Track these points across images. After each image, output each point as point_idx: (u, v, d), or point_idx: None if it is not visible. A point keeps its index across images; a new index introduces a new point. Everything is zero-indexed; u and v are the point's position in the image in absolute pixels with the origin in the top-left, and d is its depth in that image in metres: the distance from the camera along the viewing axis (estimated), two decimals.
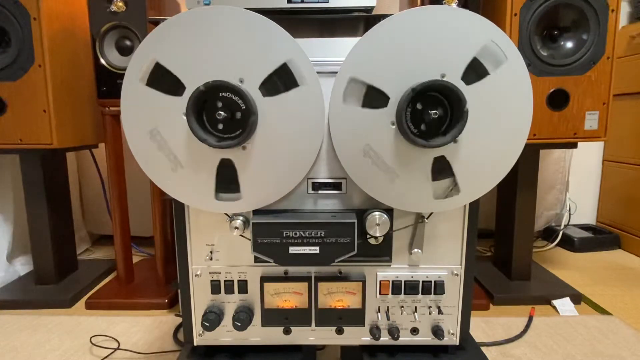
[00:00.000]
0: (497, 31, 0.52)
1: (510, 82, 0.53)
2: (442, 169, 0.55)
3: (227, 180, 0.56)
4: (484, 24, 0.52)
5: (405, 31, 0.52)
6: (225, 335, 0.64)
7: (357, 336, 0.65)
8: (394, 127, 0.54)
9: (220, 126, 0.54)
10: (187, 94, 0.52)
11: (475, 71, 0.52)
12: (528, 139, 0.80)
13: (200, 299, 0.63)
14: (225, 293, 0.63)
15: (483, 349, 0.66)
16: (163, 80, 0.53)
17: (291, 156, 0.55)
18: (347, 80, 0.53)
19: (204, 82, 0.51)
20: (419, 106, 0.53)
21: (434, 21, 0.52)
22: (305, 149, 0.56)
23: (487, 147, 0.54)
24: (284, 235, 0.55)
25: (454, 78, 0.52)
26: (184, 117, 0.52)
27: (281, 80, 0.53)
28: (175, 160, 0.55)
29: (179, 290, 0.64)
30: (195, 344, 0.65)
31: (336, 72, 0.54)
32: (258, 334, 0.64)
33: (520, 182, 1.13)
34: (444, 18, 0.52)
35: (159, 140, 0.54)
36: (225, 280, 0.63)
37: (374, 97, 0.54)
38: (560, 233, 1.55)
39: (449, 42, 0.52)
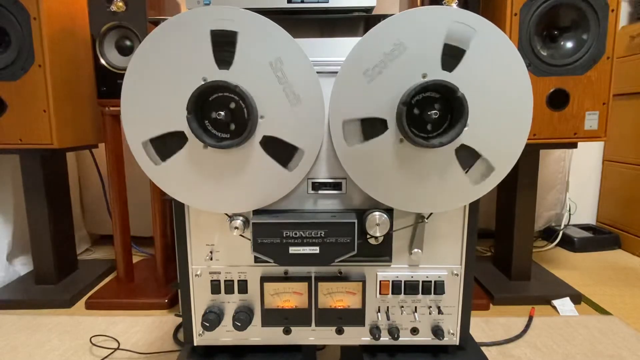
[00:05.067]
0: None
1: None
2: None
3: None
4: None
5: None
6: (225, 335, 0.64)
7: (357, 336, 0.65)
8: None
9: (224, 127, 0.54)
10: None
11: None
12: (528, 139, 0.79)
13: (200, 299, 0.63)
14: (225, 293, 0.63)
15: (483, 349, 0.66)
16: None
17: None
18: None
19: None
20: (418, 110, 0.53)
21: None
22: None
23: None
24: (284, 235, 0.55)
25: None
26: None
27: (281, 149, 0.55)
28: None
29: (179, 290, 0.64)
30: (195, 344, 0.65)
31: (336, 72, 0.54)
32: (258, 334, 0.64)
33: (520, 182, 1.13)
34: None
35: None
36: (225, 280, 0.63)
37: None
38: (560, 233, 1.55)
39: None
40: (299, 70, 0.53)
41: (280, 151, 0.56)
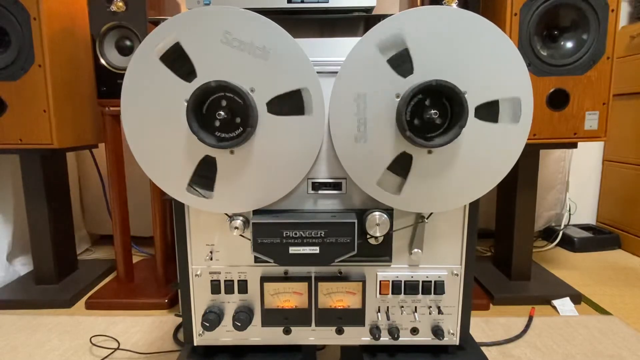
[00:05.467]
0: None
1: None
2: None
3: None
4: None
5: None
6: (225, 335, 0.64)
7: (357, 336, 0.65)
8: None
9: (217, 123, 0.54)
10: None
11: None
12: (528, 139, 0.79)
13: (200, 299, 0.63)
14: (225, 293, 0.63)
15: (483, 349, 0.66)
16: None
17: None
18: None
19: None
20: (419, 109, 0.53)
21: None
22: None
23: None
24: (284, 235, 0.55)
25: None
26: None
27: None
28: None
29: (179, 290, 0.64)
30: (195, 344, 0.65)
31: (336, 72, 0.54)
32: (258, 334, 0.64)
33: (520, 182, 1.13)
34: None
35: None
36: (225, 280, 0.63)
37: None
38: (560, 233, 1.55)
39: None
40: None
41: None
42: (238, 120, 0.53)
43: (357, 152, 0.55)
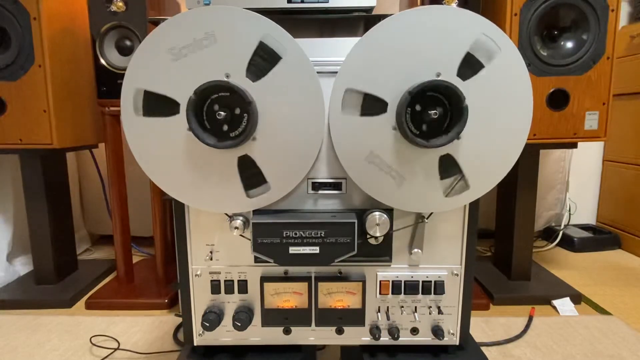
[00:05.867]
0: (487, 24, 0.52)
1: (507, 74, 0.53)
2: (449, 166, 0.55)
3: (250, 176, 0.56)
4: (473, 19, 0.52)
5: (397, 35, 0.52)
6: (225, 335, 0.64)
7: (357, 336, 0.65)
8: (395, 131, 0.54)
9: (225, 127, 0.54)
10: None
11: (470, 66, 0.52)
12: (528, 139, 0.80)
13: (200, 299, 0.63)
14: (225, 293, 0.63)
15: (483, 349, 0.66)
16: (157, 105, 0.53)
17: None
18: (344, 91, 0.54)
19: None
20: (418, 107, 0.53)
21: (425, 22, 0.52)
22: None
23: (487, 145, 0.54)
24: (284, 235, 0.55)
25: (450, 75, 0.52)
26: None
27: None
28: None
29: (179, 290, 0.64)
30: (195, 344, 0.65)
31: (336, 72, 0.54)
32: (258, 334, 0.64)
33: (520, 182, 1.13)
34: (435, 18, 0.52)
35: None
36: (225, 280, 0.63)
37: (372, 105, 0.54)
38: (560, 233, 1.55)
39: (441, 41, 0.52)
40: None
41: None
42: (238, 118, 0.53)
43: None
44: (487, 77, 0.53)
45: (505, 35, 0.52)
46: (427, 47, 0.52)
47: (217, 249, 0.62)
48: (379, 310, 0.64)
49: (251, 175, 0.56)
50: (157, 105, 0.54)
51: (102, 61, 1.02)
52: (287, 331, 0.64)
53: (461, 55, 0.52)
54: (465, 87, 0.52)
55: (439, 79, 0.52)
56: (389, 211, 0.59)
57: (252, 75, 0.53)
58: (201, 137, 0.52)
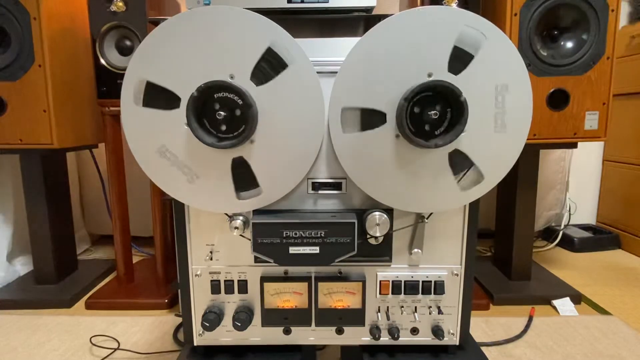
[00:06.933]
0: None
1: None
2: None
3: (242, 178, 0.56)
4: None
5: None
6: (225, 335, 0.64)
7: (357, 336, 0.65)
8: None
9: (224, 127, 0.54)
10: (184, 104, 0.52)
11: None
12: (528, 139, 0.79)
13: (200, 299, 0.63)
14: (225, 293, 0.63)
15: (483, 349, 0.66)
16: (158, 97, 0.53)
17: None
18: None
19: (195, 88, 0.51)
20: (418, 109, 0.53)
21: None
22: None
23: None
24: (284, 235, 0.55)
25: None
26: (186, 127, 0.52)
27: (270, 65, 0.53)
28: (191, 172, 0.55)
29: (179, 290, 0.64)
30: (195, 344, 0.65)
31: (336, 72, 0.54)
32: (258, 334, 0.64)
33: (520, 182, 1.13)
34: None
35: (169, 156, 0.55)
36: (225, 280, 0.63)
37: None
38: (560, 233, 1.55)
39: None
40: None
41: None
42: (238, 112, 0.53)
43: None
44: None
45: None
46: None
47: (217, 249, 0.62)
48: (379, 310, 0.64)
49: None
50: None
51: (102, 61, 1.02)
52: (287, 331, 0.64)
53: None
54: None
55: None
56: (389, 211, 0.59)
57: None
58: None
